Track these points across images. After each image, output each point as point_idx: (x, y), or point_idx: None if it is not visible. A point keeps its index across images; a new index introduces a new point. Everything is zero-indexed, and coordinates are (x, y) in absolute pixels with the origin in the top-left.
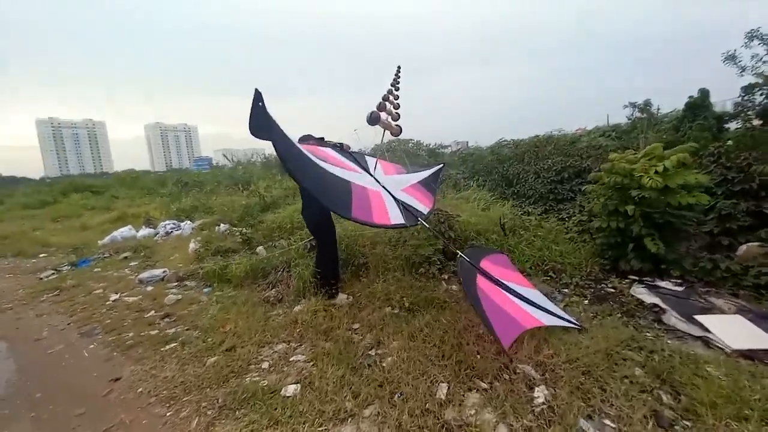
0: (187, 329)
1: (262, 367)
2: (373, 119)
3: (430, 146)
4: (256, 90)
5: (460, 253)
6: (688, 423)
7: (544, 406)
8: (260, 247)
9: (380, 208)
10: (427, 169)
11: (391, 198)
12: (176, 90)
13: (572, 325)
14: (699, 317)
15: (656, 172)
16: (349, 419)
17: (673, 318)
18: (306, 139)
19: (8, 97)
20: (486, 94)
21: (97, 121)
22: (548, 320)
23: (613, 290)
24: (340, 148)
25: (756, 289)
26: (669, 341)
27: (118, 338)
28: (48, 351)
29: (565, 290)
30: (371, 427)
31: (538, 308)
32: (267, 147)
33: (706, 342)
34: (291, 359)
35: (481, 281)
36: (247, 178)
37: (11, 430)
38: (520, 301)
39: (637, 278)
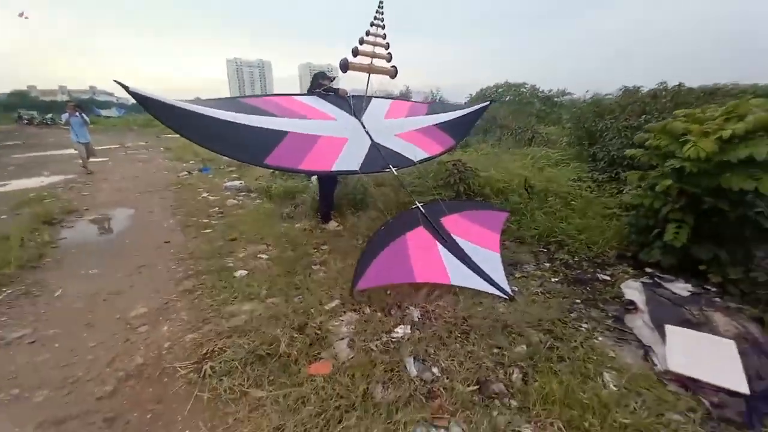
0: (223, 222)
1: (239, 255)
2: (341, 65)
3: (548, 92)
4: (117, 82)
5: (417, 204)
6: (513, 402)
7: (393, 340)
8: (314, 177)
9: (324, 154)
10: (461, 109)
11: (367, 144)
12: (326, 38)
13: (498, 293)
14: (668, 326)
15: (720, 138)
16: (254, 300)
17: (639, 320)
18: (318, 77)
19: (210, 37)
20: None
21: (265, 61)
22: (469, 282)
23: (607, 278)
24: (334, 94)
25: None
26: (599, 338)
27: (185, 219)
28: (149, 219)
29: (546, 264)
30: (263, 308)
31: (470, 269)
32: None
33: (646, 353)
34: (258, 256)
35: (416, 234)
36: None
37: (100, 256)
38: (451, 259)
39: (653, 272)
